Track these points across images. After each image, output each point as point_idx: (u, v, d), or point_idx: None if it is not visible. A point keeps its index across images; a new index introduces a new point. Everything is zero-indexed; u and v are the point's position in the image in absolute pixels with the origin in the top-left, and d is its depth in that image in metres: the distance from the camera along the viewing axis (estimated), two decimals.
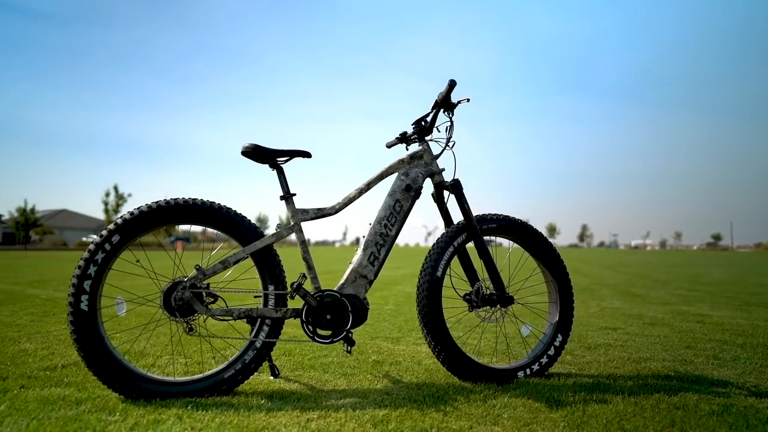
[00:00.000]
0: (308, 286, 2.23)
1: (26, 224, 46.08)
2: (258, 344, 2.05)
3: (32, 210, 46.90)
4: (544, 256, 2.49)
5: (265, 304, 2.09)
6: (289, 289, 2.08)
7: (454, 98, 2.37)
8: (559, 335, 2.43)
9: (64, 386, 2.03)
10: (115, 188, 51.21)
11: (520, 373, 2.33)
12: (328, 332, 2.13)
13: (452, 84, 2.27)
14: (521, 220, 2.47)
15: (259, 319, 2.08)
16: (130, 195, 51.41)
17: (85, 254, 1.92)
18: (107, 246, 1.94)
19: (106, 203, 50.80)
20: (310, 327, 2.10)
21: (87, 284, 1.90)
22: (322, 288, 2.15)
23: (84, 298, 1.89)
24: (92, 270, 1.91)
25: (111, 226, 1.97)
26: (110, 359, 1.91)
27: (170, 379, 1.98)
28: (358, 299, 2.18)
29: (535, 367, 2.36)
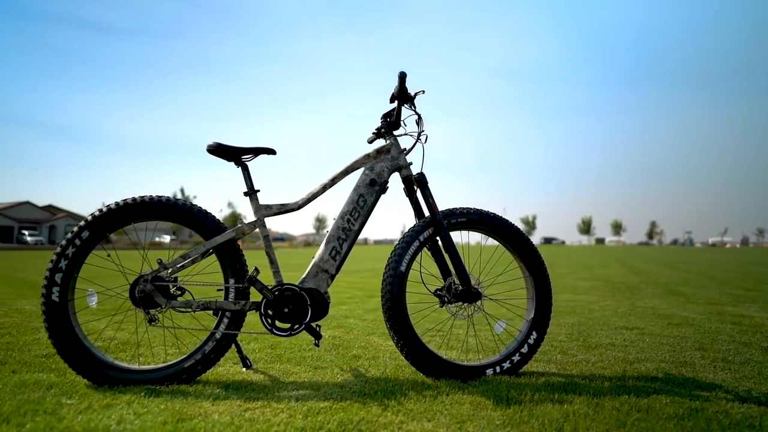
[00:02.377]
0: (270, 280, 2.28)
1: None
2: (218, 335, 2.11)
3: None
4: (520, 250, 2.40)
5: (226, 297, 2.16)
6: (243, 283, 2.14)
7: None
8: (534, 332, 2.34)
9: (47, 372, 2.20)
10: (182, 190, 54.43)
11: (489, 371, 2.26)
12: (287, 325, 2.17)
13: (402, 76, 2.24)
14: (494, 214, 2.40)
15: (220, 312, 2.15)
16: (195, 196, 54.40)
17: (58, 249, 2.06)
18: (77, 241, 2.07)
19: None
20: (269, 320, 2.14)
21: (58, 277, 2.04)
22: (284, 282, 2.19)
23: (55, 289, 2.04)
24: (63, 264, 2.05)
25: (81, 223, 2.10)
26: (80, 347, 2.04)
27: (134, 367, 2.09)
28: (318, 293, 2.20)
29: (506, 365, 2.28)
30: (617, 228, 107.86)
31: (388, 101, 2.38)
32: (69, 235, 2.08)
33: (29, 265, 12.35)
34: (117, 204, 2.13)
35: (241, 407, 1.78)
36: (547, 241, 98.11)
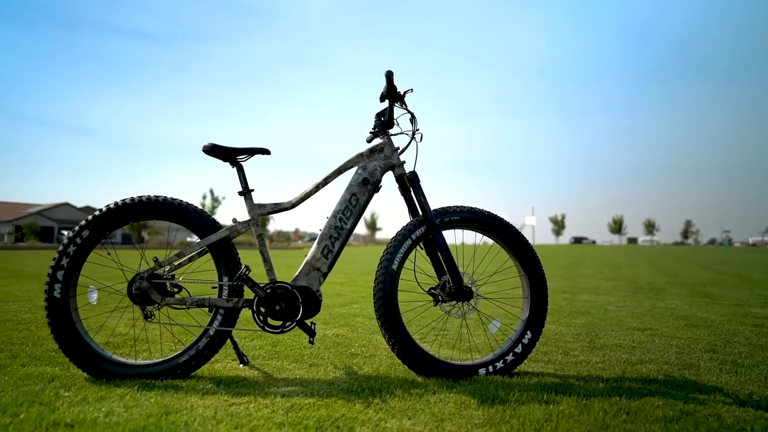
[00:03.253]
0: (263, 278, 2.31)
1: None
2: (211, 332, 2.16)
3: None
4: (514, 248, 2.37)
5: (220, 295, 2.20)
6: (233, 281, 2.18)
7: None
8: (529, 332, 2.31)
9: (53, 366, 2.29)
10: (211, 191, 55.91)
11: (481, 370, 2.24)
12: (279, 322, 2.20)
13: (388, 75, 2.25)
14: (488, 212, 2.38)
15: (213, 309, 2.19)
16: (224, 197, 55.82)
17: (60, 248, 2.15)
18: (78, 240, 2.15)
19: (203, 205, 55.56)
20: (261, 317, 2.18)
21: (60, 274, 2.13)
22: (277, 280, 2.22)
23: (57, 286, 2.12)
24: (65, 261, 2.13)
25: (82, 223, 2.18)
26: (80, 342, 2.12)
27: (131, 361, 2.16)
28: (310, 291, 2.23)
29: (499, 364, 2.26)
30: (650, 227, 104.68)
31: (379, 100, 2.38)
32: (70, 234, 2.16)
33: None
34: (116, 204, 2.20)
35: (227, 402, 1.82)
36: (577, 240, 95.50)
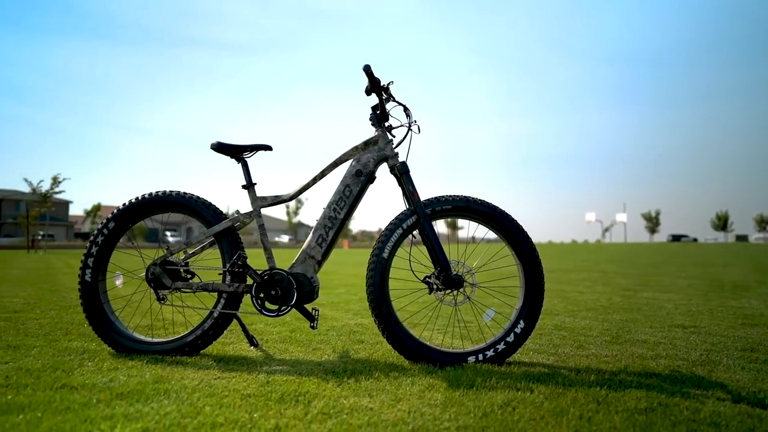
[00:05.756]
0: (263, 265, 2.47)
1: None
2: (215, 314, 2.36)
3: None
4: (509, 236, 2.34)
5: (224, 281, 2.39)
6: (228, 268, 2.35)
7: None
8: (522, 322, 2.27)
9: (91, 342, 2.60)
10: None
11: (471, 358, 2.24)
12: (275, 306, 2.35)
13: (366, 69, 2.30)
14: (481, 200, 2.37)
15: (217, 293, 2.39)
16: (307, 198, 58.85)
17: (90, 237, 2.44)
18: (105, 231, 2.44)
19: (287, 206, 58.52)
20: (259, 301, 2.34)
21: (90, 261, 2.42)
22: (276, 267, 2.38)
23: (87, 271, 2.42)
24: (94, 250, 2.43)
25: (108, 215, 2.47)
26: (106, 320, 2.40)
27: (148, 339, 2.41)
28: (305, 277, 2.35)
29: (489, 353, 2.25)
30: (762, 223, 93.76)
31: (365, 94, 2.46)
32: (99, 226, 2.45)
33: None
34: (137, 199, 2.46)
35: (214, 376, 1.99)
36: (675, 238, 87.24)
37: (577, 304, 4.44)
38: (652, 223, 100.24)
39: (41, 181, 29.49)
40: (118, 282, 2.49)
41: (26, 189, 29.93)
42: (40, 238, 34.58)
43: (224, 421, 1.50)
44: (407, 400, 1.72)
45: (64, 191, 30.72)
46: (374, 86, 2.36)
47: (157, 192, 2.47)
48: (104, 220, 2.47)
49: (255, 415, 1.55)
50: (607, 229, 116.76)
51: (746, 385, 1.93)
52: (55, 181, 29.31)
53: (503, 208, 2.37)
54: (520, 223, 2.36)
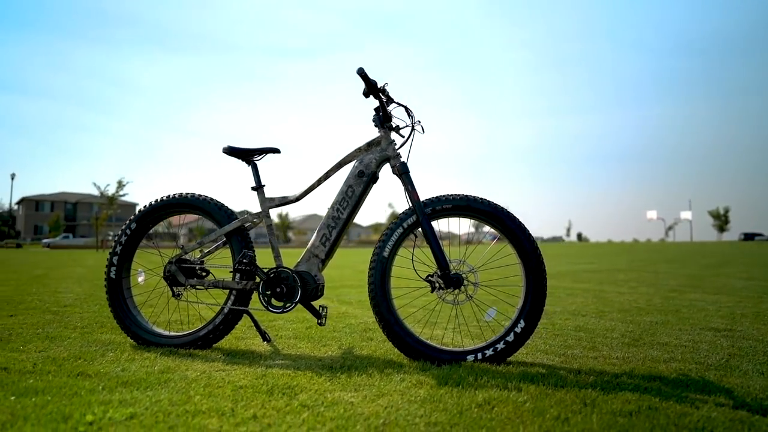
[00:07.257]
0: (270, 264, 2.56)
1: (283, 227, 62.68)
2: (226, 310, 2.47)
3: (286, 215, 64.46)
4: (510, 235, 2.32)
5: (233, 278, 2.51)
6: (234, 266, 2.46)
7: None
8: (522, 321, 2.24)
9: (118, 334, 2.79)
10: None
11: (470, 357, 2.24)
12: (281, 303, 2.43)
13: (359, 72, 2.34)
14: (482, 199, 2.35)
15: (228, 290, 2.51)
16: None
17: (115, 238, 2.63)
18: (128, 231, 2.62)
19: None
20: (265, 298, 2.44)
21: (115, 259, 2.60)
22: (284, 266, 2.46)
23: (112, 269, 2.60)
24: (118, 249, 2.61)
25: (131, 217, 2.64)
26: (129, 315, 2.57)
27: (165, 332, 2.56)
28: (309, 275, 2.43)
29: (489, 352, 2.24)
30: None
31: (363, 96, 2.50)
32: (123, 226, 2.63)
33: None
34: (156, 201, 2.62)
35: (216, 368, 2.10)
36: (748, 237, 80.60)
37: (610, 305, 4.29)
38: (721, 221, 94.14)
39: (108, 184, 31.55)
40: (141, 279, 2.66)
41: (96, 192, 32.05)
42: (109, 238, 36.88)
43: (207, 410, 1.59)
44: (389, 396, 1.75)
45: (127, 194, 32.60)
46: (371, 88, 2.40)
47: (174, 194, 2.62)
48: (127, 221, 2.64)
49: (238, 405, 1.63)
50: (670, 228, 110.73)
51: (755, 392, 1.82)
52: (120, 184, 31.22)
53: (504, 206, 2.35)
54: (522, 222, 2.34)
